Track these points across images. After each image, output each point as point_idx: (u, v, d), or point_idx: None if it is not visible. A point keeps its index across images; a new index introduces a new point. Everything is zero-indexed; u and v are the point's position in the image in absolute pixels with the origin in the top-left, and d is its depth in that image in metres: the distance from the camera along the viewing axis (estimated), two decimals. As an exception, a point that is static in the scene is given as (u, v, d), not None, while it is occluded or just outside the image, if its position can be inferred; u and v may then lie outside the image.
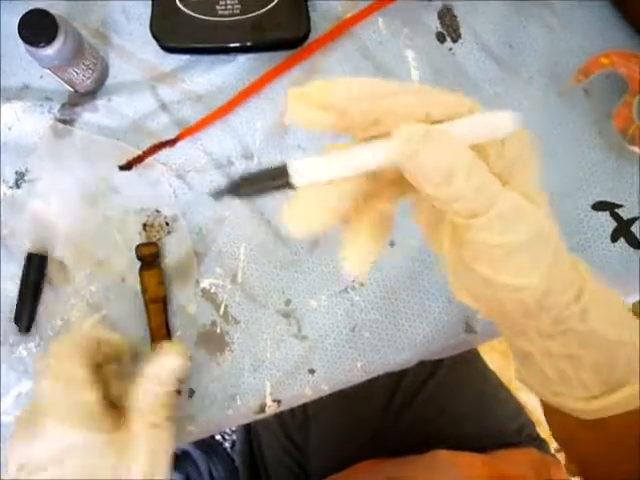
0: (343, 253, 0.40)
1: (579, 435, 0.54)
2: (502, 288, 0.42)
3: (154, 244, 0.66)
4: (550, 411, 0.52)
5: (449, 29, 0.71)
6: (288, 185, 0.38)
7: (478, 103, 0.40)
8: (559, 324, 0.44)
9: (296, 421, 0.98)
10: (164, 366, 0.55)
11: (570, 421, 0.50)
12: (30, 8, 0.59)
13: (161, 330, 0.65)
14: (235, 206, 0.67)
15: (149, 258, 0.65)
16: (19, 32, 0.58)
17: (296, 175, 0.38)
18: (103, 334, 0.57)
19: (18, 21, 0.59)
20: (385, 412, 0.93)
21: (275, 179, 0.38)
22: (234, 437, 1.08)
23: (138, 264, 0.66)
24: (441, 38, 0.71)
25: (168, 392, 0.54)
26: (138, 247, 0.65)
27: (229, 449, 1.05)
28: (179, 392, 0.64)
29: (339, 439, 0.94)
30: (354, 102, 0.37)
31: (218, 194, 0.39)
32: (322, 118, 0.38)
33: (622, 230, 0.68)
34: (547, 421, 0.55)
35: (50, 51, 0.59)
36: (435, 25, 0.71)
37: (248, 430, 1.04)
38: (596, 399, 0.47)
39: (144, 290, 0.65)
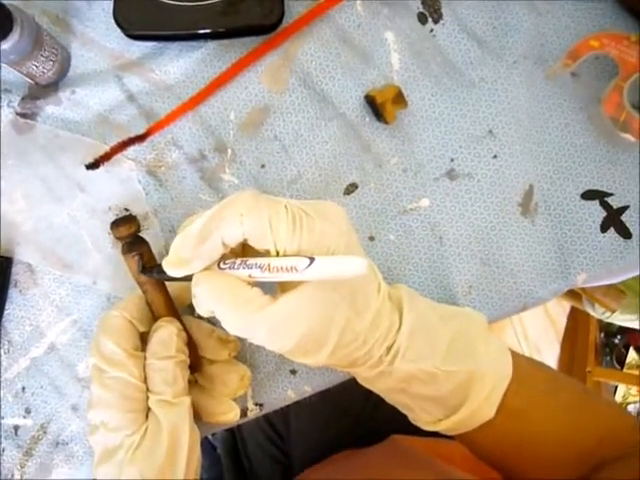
0: None
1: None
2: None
3: (132, 219, 0.55)
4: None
5: (430, 9, 0.67)
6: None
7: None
8: (374, 369, 0.51)
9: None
10: (156, 339, 0.54)
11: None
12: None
13: (169, 309, 0.56)
14: (208, 204, 0.64)
15: (130, 237, 0.54)
16: (-29, 26, 0.54)
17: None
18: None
19: (-31, 14, 0.54)
20: (365, 401, 0.92)
21: None
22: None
23: (109, 266, 0.63)
24: (422, 19, 0.67)
25: (171, 366, 0.53)
26: (115, 227, 0.54)
27: (210, 437, 1.03)
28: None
29: (320, 427, 0.93)
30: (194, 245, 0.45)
31: (144, 270, 0.53)
32: (195, 266, 0.46)
33: (612, 219, 0.66)
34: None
35: (5, 46, 0.55)
36: (416, 5, 0.67)
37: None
38: (441, 421, 0.54)
39: (135, 273, 0.54)
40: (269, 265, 0.43)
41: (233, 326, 0.46)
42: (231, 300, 0.44)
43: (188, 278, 0.46)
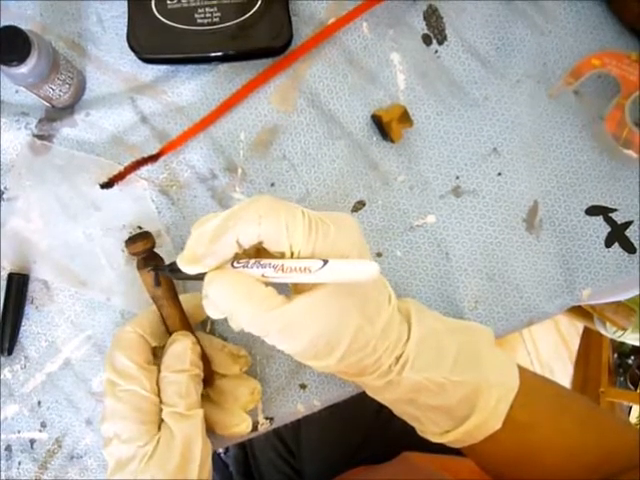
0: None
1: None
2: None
3: (147, 235, 0.55)
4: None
5: (435, 31, 0.69)
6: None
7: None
8: (382, 378, 0.51)
9: (287, 424, 0.98)
10: (171, 352, 0.55)
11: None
12: (2, 25, 0.57)
13: (184, 324, 0.57)
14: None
15: (146, 253, 0.55)
16: (-10, 50, 0.56)
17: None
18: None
19: (-11, 39, 0.57)
20: (376, 417, 0.92)
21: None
22: (228, 443, 1.07)
23: (122, 283, 0.65)
24: (427, 40, 0.69)
25: (185, 379, 0.54)
26: (132, 243, 0.54)
27: (222, 454, 1.04)
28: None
29: (331, 443, 0.94)
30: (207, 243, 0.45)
31: (158, 270, 0.53)
32: (208, 264, 0.46)
33: (616, 235, 0.67)
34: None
35: (24, 69, 0.57)
36: (421, 27, 0.69)
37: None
38: (449, 433, 0.54)
39: (151, 288, 0.55)
40: (283, 266, 0.44)
41: (246, 323, 0.46)
42: (246, 297, 0.45)
43: (201, 277, 0.47)
